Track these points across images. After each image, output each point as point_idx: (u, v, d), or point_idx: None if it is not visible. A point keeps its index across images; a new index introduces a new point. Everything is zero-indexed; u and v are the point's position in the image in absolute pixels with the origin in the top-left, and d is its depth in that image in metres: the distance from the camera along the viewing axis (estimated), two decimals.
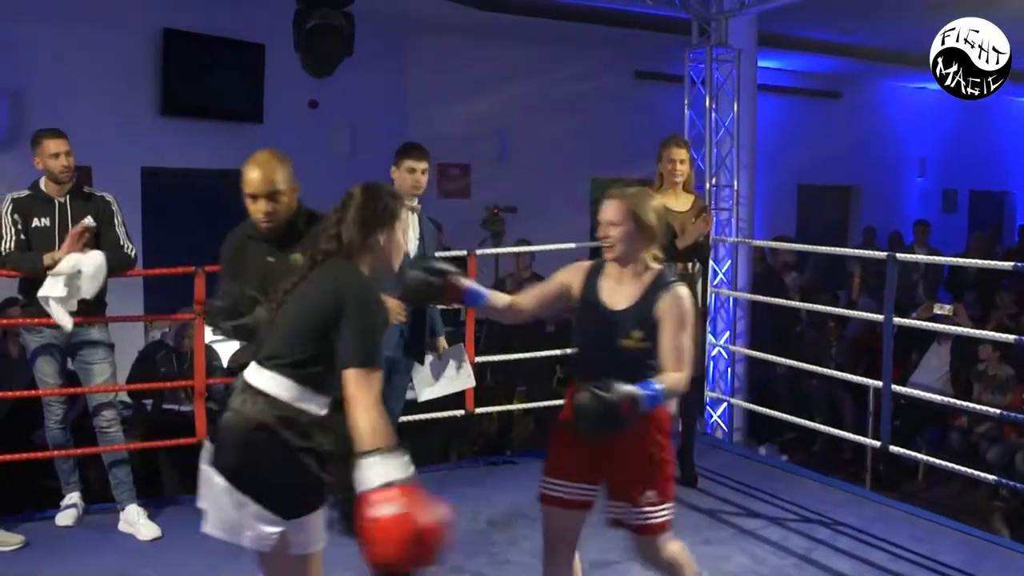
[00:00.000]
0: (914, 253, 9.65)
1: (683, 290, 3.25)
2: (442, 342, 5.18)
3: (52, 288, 4.65)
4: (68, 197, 4.87)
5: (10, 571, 4.39)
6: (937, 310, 7.58)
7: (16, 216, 4.81)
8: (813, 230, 11.93)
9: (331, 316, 2.67)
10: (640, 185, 3.67)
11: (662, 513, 3.30)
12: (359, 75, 8.89)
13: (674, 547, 3.41)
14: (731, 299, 7.03)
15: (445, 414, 6.12)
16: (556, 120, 10.64)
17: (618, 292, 3.31)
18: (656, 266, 3.30)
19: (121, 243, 4.94)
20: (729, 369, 7.07)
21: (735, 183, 7.05)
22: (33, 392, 5.03)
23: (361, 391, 2.59)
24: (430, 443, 7.20)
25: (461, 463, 6.70)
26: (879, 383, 5.50)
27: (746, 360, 7.15)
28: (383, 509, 2.41)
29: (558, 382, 8.62)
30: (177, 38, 8.38)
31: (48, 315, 4.71)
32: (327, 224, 2.84)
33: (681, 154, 5.57)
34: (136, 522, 4.91)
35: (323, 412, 2.73)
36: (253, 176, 3.52)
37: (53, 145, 4.83)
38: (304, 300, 2.77)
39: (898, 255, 5.46)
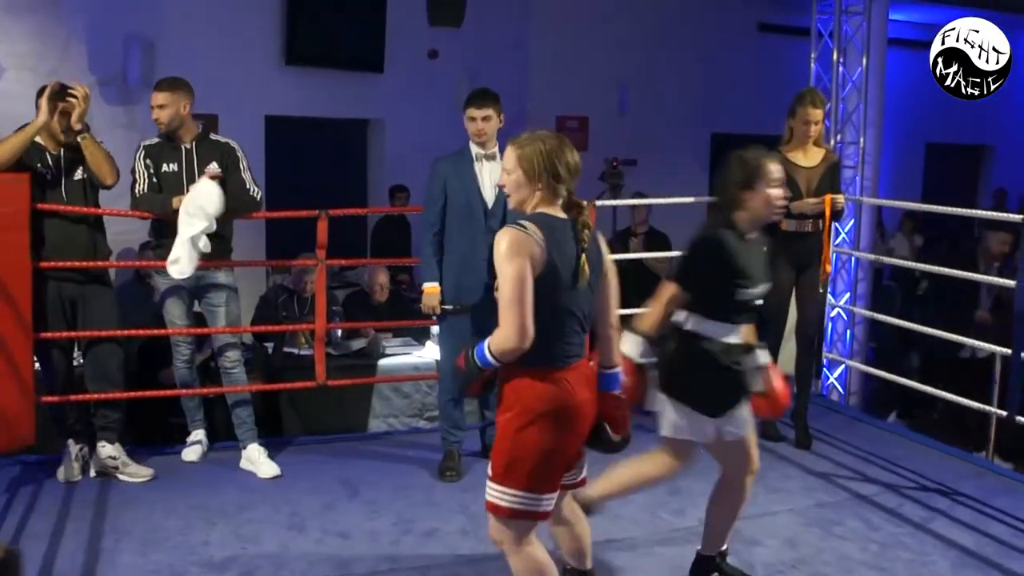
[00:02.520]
0: None
1: (501, 233, 2.95)
2: None
3: (191, 227, 4.78)
4: (195, 143, 5.01)
5: (140, 501, 4.61)
6: None
7: (148, 161, 4.97)
8: (940, 191, 11.51)
9: None
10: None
11: (496, 494, 3.04)
12: (480, 26, 8.90)
13: (525, 551, 3.09)
14: (852, 259, 6.85)
15: None
16: (676, 73, 10.49)
17: None
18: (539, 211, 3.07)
19: (247, 187, 5.05)
20: (848, 331, 6.91)
21: (861, 140, 6.84)
22: (162, 331, 5.21)
23: None
24: None
25: None
26: (1006, 350, 5.31)
27: (865, 322, 6.97)
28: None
29: None
30: None
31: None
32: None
33: (816, 115, 5.42)
34: (257, 460, 5.08)
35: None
36: None
37: (153, 97, 4.97)
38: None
39: None
